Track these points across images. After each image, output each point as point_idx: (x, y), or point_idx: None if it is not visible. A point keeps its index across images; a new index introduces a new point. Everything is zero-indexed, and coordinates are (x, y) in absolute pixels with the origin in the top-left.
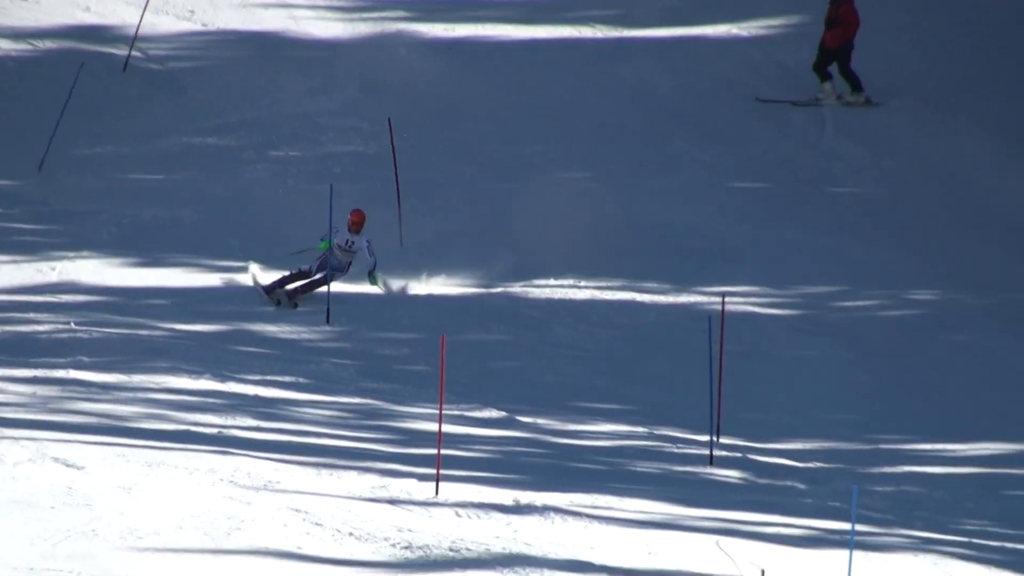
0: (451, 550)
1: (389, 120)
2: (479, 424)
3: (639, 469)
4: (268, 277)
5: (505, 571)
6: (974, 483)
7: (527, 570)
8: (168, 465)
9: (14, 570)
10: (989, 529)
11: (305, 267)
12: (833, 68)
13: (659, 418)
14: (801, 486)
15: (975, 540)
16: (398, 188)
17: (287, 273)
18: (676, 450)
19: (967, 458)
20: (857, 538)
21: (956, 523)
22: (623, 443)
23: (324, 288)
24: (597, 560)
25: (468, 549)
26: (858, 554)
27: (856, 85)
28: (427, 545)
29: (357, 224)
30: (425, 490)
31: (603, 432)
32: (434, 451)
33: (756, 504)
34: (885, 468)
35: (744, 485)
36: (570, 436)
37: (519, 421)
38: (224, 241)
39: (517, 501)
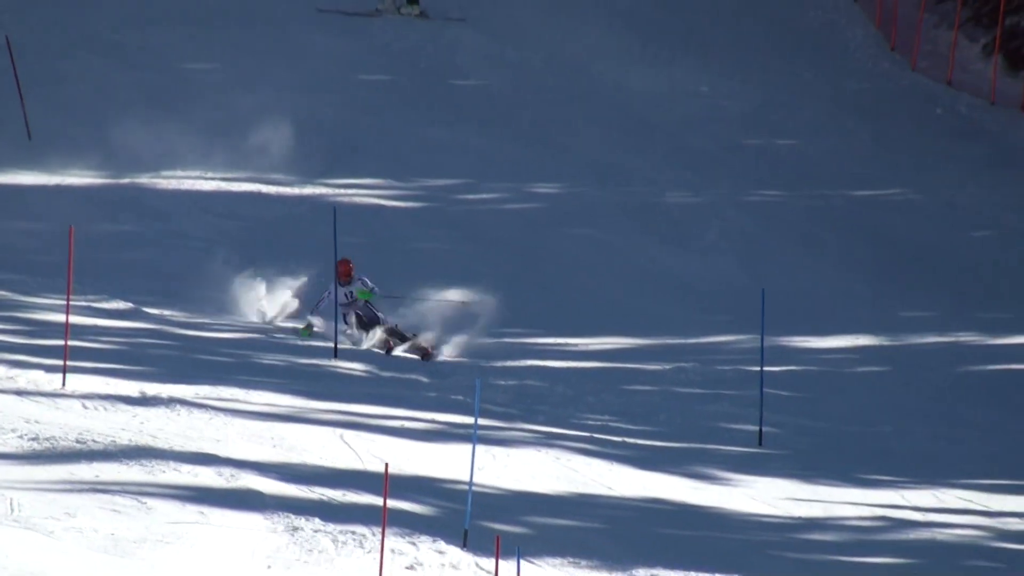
0: (78, 442)
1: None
2: (107, 315)
3: (265, 362)
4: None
5: (131, 463)
6: (596, 378)
7: (153, 462)
8: None
9: None
10: (611, 424)
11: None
12: None
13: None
14: (425, 379)
15: (596, 435)
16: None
17: (386, 339)
18: (302, 343)
19: (590, 353)
20: (481, 432)
21: (578, 418)
22: (249, 336)
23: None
24: (223, 452)
25: (95, 441)
26: (481, 448)
27: None
28: (54, 437)
29: (346, 275)
30: (52, 381)
31: (229, 324)
32: (62, 342)
33: (381, 397)
34: (508, 362)
35: (369, 378)
36: (197, 328)
37: (146, 313)
38: None
39: (143, 393)
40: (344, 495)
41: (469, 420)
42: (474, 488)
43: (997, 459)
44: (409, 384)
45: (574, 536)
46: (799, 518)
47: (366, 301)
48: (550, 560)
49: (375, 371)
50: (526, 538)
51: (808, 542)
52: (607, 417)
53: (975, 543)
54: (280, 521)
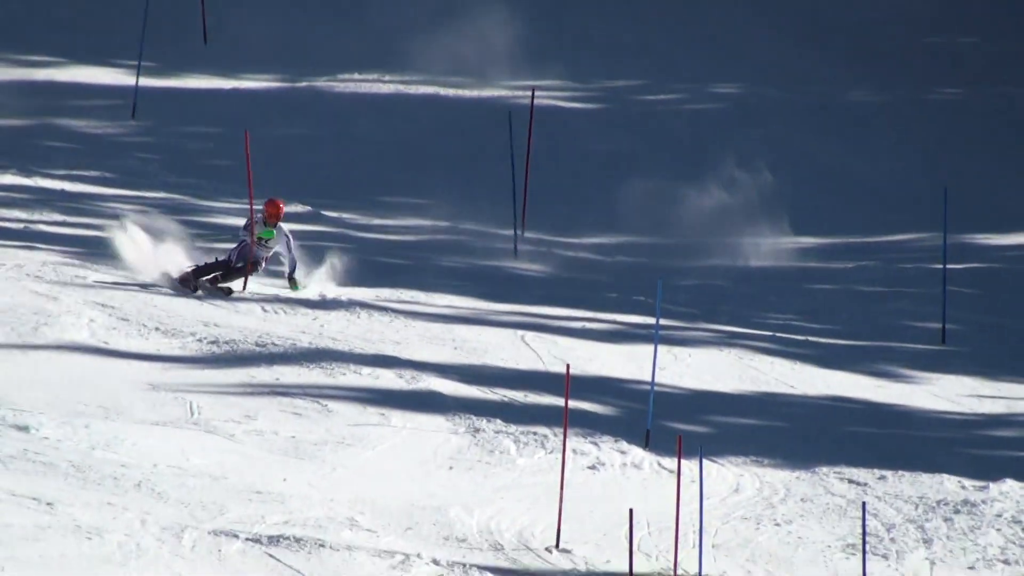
0: (258, 345)
1: None
2: (284, 218)
3: (444, 263)
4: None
5: (311, 366)
6: (779, 277)
7: (334, 365)
8: None
9: None
10: (793, 323)
11: (223, 258)
12: None
13: (463, 213)
14: (606, 280)
15: (779, 334)
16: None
17: (205, 262)
18: (480, 244)
19: (774, 252)
20: (662, 333)
21: (760, 317)
22: (428, 238)
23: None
24: (403, 355)
25: (275, 344)
26: (662, 348)
27: None
28: (234, 340)
29: (274, 217)
30: (232, 285)
31: (408, 227)
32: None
33: (561, 299)
34: (690, 262)
35: (549, 280)
36: (375, 231)
37: (325, 216)
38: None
39: (323, 296)
40: (525, 396)
41: (650, 321)
42: (656, 388)
43: None
44: (590, 285)
45: (756, 435)
46: (982, 415)
47: (264, 241)
48: (732, 459)
49: (555, 272)
50: (708, 437)
51: (991, 438)
52: (789, 316)
53: None
54: (462, 422)
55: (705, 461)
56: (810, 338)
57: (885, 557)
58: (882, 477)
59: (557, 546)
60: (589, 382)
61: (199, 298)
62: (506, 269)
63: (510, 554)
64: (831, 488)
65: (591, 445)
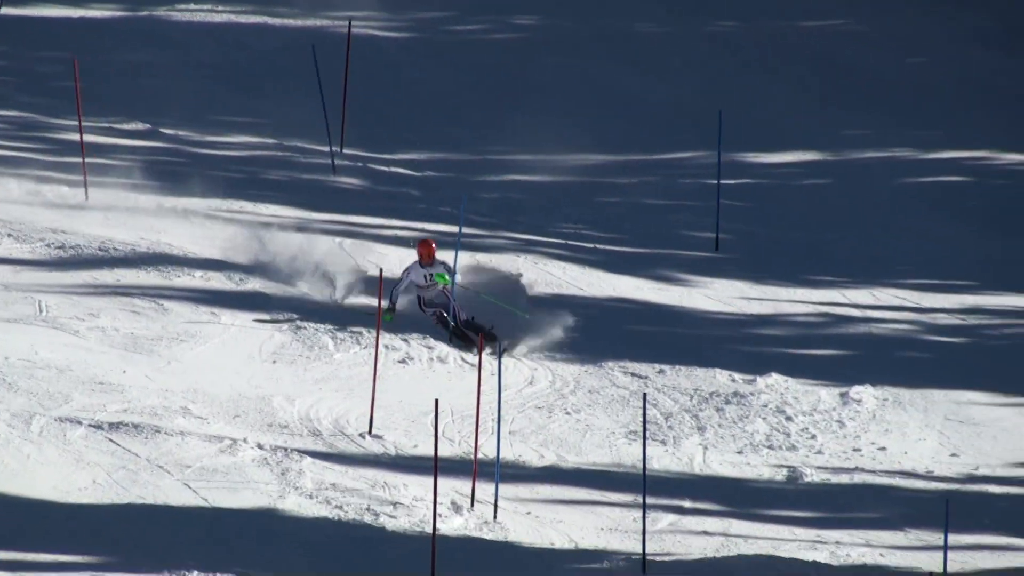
0: (100, 250)
1: None
2: (126, 135)
3: (270, 177)
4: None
5: (149, 269)
6: (571, 191)
7: (169, 268)
8: None
9: None
10: (583, 232)
11: (431, 312)
12: None
13: (288, 131)
14: (416, 193)
15: (571, 242)
16: None
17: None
18: (303, 160)
19: (566, 168)
20: (465, 239)
21: (555, 227)
22: (255, 153)
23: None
24: (232, 259)
25: (116, 249)
26: (466, 254)
27: None
28: (78, 245)
29: (429, 256)
30: (76, 195)
31: (237, 143)
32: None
33: (376, 209)
34: (491, 177)
35: (365, 192)
36: (208, 147)
37: (162, 132)
38: None
39: (160, 205)
40: (344, 298)
41: (455, 229)
42: (459, 290)
43: (928, 262)
44: (401, 197)
45: (550, 333)
46: (751, 315)
47: (444, 286)
48: (528, 355)
49: (371, 186)
50: (506, 334)
51: (759, 336)
52: (580, 226)
53: (908, 336)
54: (285, 321)
55: (504, 356)
56: (598, 246)
57: (664, 443)
58: (661, 371)
59: (370, 432)
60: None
61: (53, 205)
62: (326, 183)
63: (327, 439)
64: (616, 381)
65: (402, 342)
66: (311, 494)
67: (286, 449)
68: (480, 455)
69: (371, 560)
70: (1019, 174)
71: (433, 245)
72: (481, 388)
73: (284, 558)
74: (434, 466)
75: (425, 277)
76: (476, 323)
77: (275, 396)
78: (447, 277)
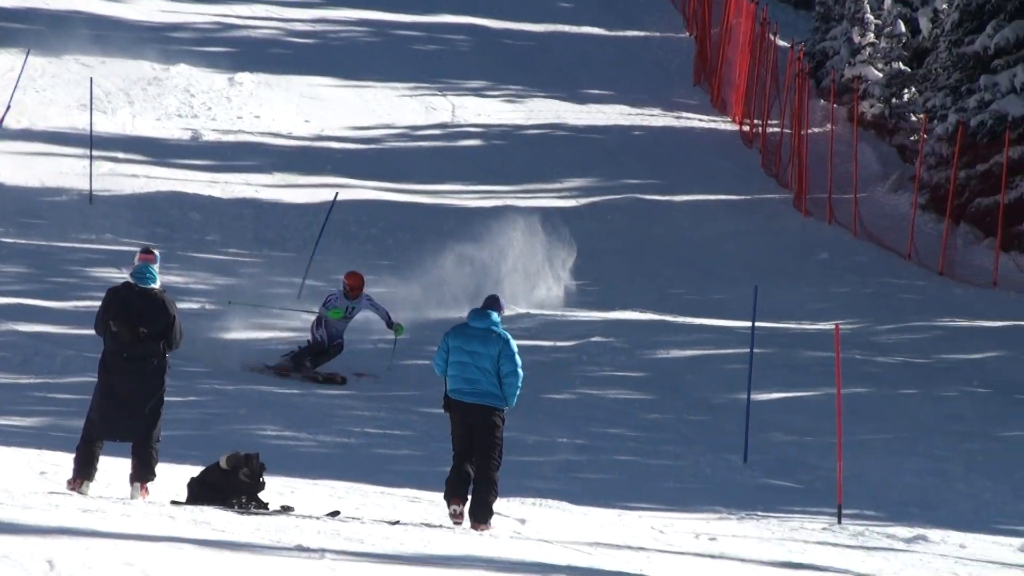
0: None
1: None
2: None
3: None
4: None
5: None
6: None
7: None
8: None
9: None
10: None
11: (311, 340)
12: None
13: None
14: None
15: None
16: None
17: (296, 349)
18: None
19: None
20: None
21: None
22: None
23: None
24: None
25: None
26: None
27: None
28: None
29: (356, 289)
30: None
31: None
32: None
33: None
34: None
35: None
36: None
37: None
38: None
39: None
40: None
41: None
42: None
43: None
44: None
45: None
46: None
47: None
48: None
49: None
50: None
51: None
52: None
53: (276, 38)
54: None
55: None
56: None
57: (104, 113)
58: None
59: None
60: None
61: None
62: None
63: None
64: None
65: None
66: None
67: None
68: None
69: None
70: None
71: (362, 277)
72: None
73: None
74: None
75: (347, 309)
76: (332, 374)
77: None
78: (403, 328)
